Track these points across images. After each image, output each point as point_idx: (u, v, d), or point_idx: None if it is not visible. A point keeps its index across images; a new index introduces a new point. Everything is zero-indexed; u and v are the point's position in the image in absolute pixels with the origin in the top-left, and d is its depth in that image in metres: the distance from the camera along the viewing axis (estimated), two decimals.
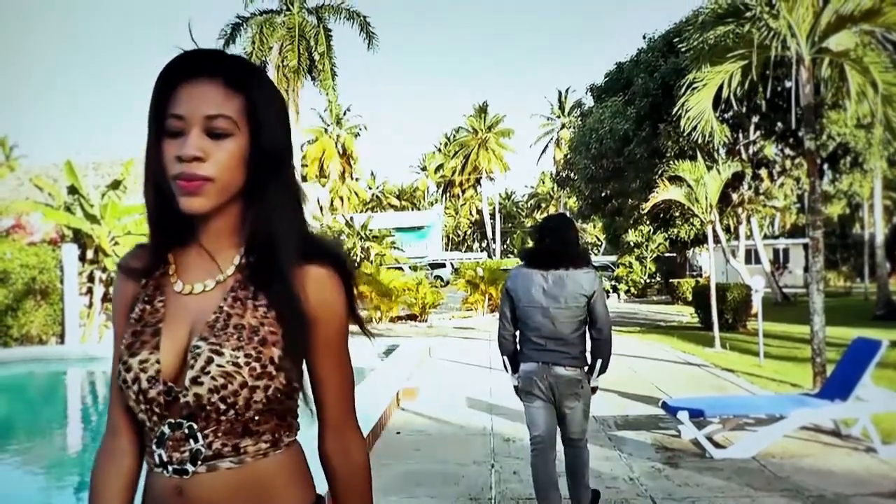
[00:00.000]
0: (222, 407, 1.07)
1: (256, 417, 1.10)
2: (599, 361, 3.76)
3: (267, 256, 1.14)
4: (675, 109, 9.61)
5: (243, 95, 1.12)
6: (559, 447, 3.92)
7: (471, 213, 70.49)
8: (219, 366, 1.06)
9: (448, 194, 68.08)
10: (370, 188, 68.47)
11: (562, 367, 3.66)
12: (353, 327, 1.27)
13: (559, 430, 3.88)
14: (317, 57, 24.72)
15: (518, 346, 3.89)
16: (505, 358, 3.95)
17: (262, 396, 1.08)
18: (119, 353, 1.15)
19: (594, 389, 3.84)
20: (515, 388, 3.96)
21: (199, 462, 1.08)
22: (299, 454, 1.20)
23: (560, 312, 3.64)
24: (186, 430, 1.09)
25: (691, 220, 20.16)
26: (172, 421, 1.09)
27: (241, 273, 1.16)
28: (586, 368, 3.76)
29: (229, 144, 1.10)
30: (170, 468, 1.09)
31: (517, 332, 3.87)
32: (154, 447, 1.11)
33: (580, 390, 3.73)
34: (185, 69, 1.11)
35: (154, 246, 1.20)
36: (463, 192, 66.29)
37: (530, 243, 4.57)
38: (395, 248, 28.98)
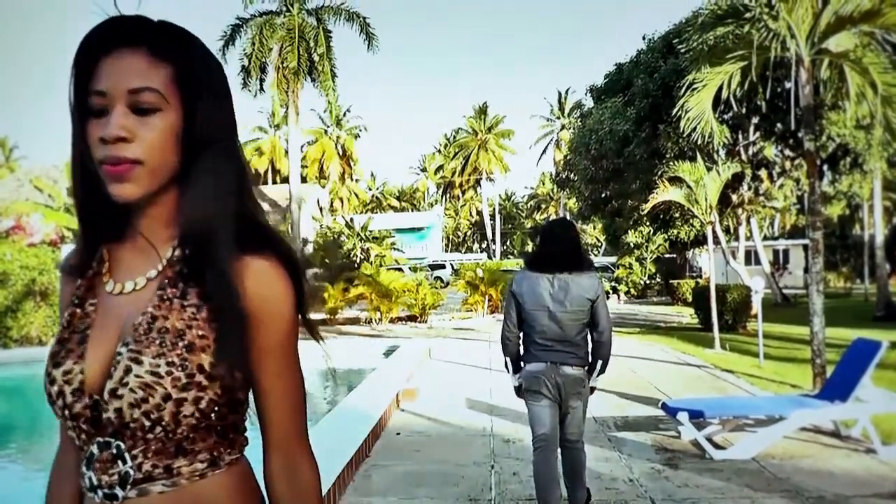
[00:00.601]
0: (146, 423, 0.94)
1: (190, 435, 0.97)
2: (600, 362, 3.84)
3: (202, 248, 1.00)
4: (675, 110, 9.62)
5: (171, 64, 0.98)
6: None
7: (471, 215, 70.53)
8: (137, 376, 0.94)
9: (448, 195, 68.12)
10: (370, 189, 68.50)
11: (569, 367, 3.76)
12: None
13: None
14: (316, 58, 24.74)
15: (522, 348, 3.96)
16: (507, 359, 4.01)
17: (193, 410, 0.95)
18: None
19: (592, 390, 3.93)
20: (516, 388, 4.03)
21: (129, 486, 0.96)
22: (245, 473, 1.06)
23: (566, 316, 3.74)
24: (114, 451, 0.97)
25: (691, 221, 20.18)
26: (101, 440, 0.97)
27: (172, 269, 1.02)
28: (587, 368, 3.85)
29: (157, 121, 0.97)
30: (100, 493, 0.97)
31: (521, 334, 3.94)
32: (84, 469, 0.99)
33: (583, 390, 3.83)
34: (105, 39, 0.98)
35: (85, 241, 1.08)
36: (463, 193, 66.32)
37: (530, 245, 4.73)
38: (395, 249, 29.01)
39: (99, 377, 0.97)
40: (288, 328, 1.04)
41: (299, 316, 1.07)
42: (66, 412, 0.98)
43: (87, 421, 0.97)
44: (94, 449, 0.98)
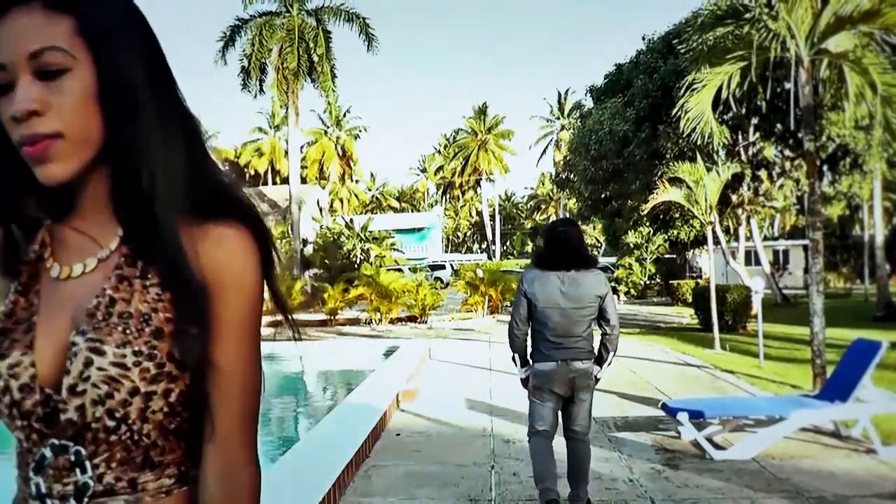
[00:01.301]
0: (110, 423, 0.83)
1: (158, 442, 0.87)
2: (611, 354, 4.06)
3: (150, 219, 0.88)
4: (675, 111, 9.63)
5: (71, 14, 0.84)
6: (559, 447, 4.05)
7: (470, 215, 70.57)
8: (100, 369, 0.82)
9: (448, 196, 68.16)
10: (370, 190, 68.57)
11: (579, 362, 3.94)
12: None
13: (563, 427, 4.12)
14: (316, 59, 24.75)
15: (530, 346, 4.12)
16: (516, 355, 4.17)
17: (162, 405, 0.85)
18: None
19: (596, 380, 4.11)
20: (522, 380, 4.20)
21: (87, 499, 0.84)
22: None
23: (576, 312, 3.91)
24: (73, 456, 0.85)
25: (691, 221, 20.18)
26: (56, 442, 0.85)
27: (127, 246, 0.90)
28: (593, 361, 4.05)
29: (69, 83, 0.84)
30: (49, 502, 0.85)
31: (528, 332, 4.11)
32: (31, 474, 0.86)
33: (591, 382, 4.02)
34: None
35: (14, 225, 0.95)
36: (463, 193, 66.37)
37: (530, 245, 5.00)
38: (394, 249, 29.00)
39: (52, 370, 0.85)
40: (251, 301, 0.91)
41: (267, 286, 0.94)
42: (14, 410, 0.86)
43: (39, 420, 0.85)
44: (47, 452, 0.86)
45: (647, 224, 22.22)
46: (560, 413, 4.12)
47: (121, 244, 0.91)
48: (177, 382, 0.87)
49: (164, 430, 0.87)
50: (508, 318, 4.31)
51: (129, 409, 0.83)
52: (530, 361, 4.10)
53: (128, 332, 0.84)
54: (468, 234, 73.60)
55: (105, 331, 0.84)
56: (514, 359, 4.17)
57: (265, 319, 0.96)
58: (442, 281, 37.49)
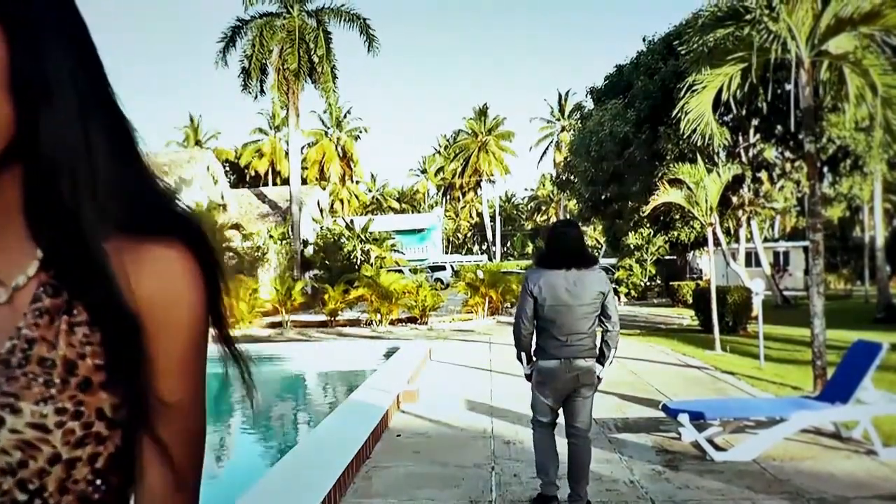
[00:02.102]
0: (21, 497, 0.65)
1: None
2: (612, 351, 4.16)
3: (72, 238, 0.70)
4: (675, 112, 9.63)
5: None
6: (560, 447, 4.15)
7: (471, 216, 70.56)
8: (14, 431, 0.65)
9: (448, 197, 68.17)
10: (370, 191, 68.59)
11: (582, 360, 4.05)
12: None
13: (565, 424, 4.23)
14: (317, 60, 24.75)
15: (535, 343, 4.23)
16: (522, 353, 4.29)
17: (86, 473, 0.68)
18: None
19: (599, 379, 4.21)
20: (527, 375, 4.33)
21: None
22: None
23: (582, 309, 4.03)
24: None
25: (691, 222, 20.18)
26: None
27: (46, 273, 0.71)
28: (596, 360, 4.16)
29: None
30: None
31: (534, 330, 4.22)
32: None
33: (594, 380, 4.13)
34: None
35: None
36: (463, 194, 66.38)
37: (531, 246, 5.20)
38: (395, 250, 28.99)
39: None
40: (194, 338, 0.75)
41: (211, 322, 0.77)
42: None
43: None
44: None
45: (648, 225, 22.23)
46: (562, 410, 4.21)
47: (40, 269, 0.71)
48: (105, 444, 0.69)
49: (85, 500, 0.69)
50: (509, 319, 4.39)
51: (46, 480, 0.66)
52: (534, 358, 4.22)
53: (50, 384, 0.67)
54: (468, 235, 73.60)
55: (22, 382, 0.66)
56: (519, 357, 4.30)
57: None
58: (442, 282, 37.50)
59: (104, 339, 0.70)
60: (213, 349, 0.79)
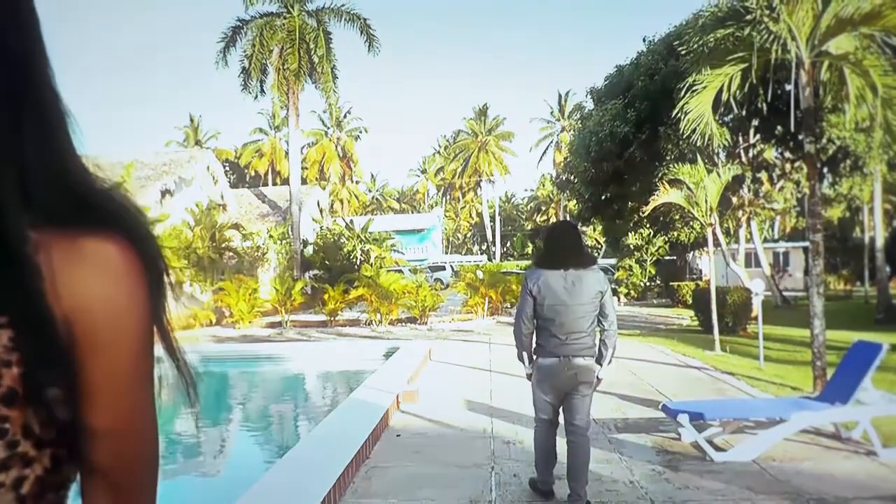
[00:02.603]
0: None
1: None
2: (610, 350, 4.21)
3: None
4: (675, 112, 9.63)
5: None
6: (559, 447, 4.20)
7: (471, 216, 70.54)
8: None
9: (448, 197, 68.19)
10: (370, 191, 68.61)
11: (581, 358, 4.11)
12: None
13: (564, 422, 4.29)
14: (317, 60, 24.75)
15: (535, 342, 4.29)
16: (523, 353, 4.34)
17: (11, 499, 0.59)
18: None
19: (598, 379, 4.27)
20: (528, 375, 4.40)
21: None
22: None
23: (581, 308, 4.09)
24: None
25: (691, 223, 20.20)
26: None
27: None
28: (595, 359, 4.21)
29: None
30: None
31: (534, 330, 4.29)
32: None
33: (593, 378, 4.19)
34: None
35: None
36: (463, 195, 66.41)
37: (530, 247, 5.32)
38: (395, 250, 28.99)
39: None
40: (137, 348, 0.65)
41: (155, 326, 0.67)
42: None
43: None
44: None
45: (648, 226, 22.24)
46: (561, 408, 4.26)
47: None
48: (33, 466, 0.60)
49: None
50: (509, 319, 4.42)
51: None
52: (535, 357, 4.27)
53: None
54: (468, 235, 73.57)
55: None
56: (520, 356, 4.36)
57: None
58: (442, 282, 37.50)
59: (24, 347, 0.60)
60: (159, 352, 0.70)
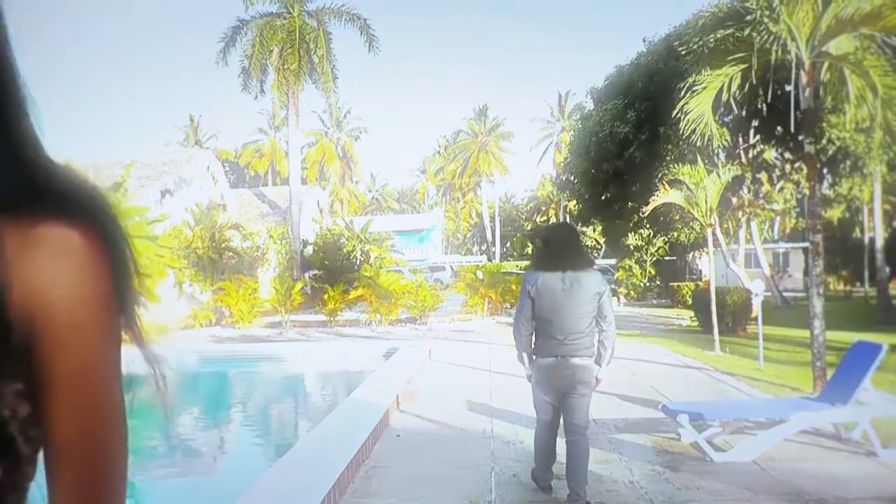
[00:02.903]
0: None
1: None
2: (608, 351, 4.25)
3: None
4: (675, 112, 9.63)
5: None
6: (560, 447, 4.22)
7: (471, 217, 70.51)
8: None
9: (448, 197, 68.16)
10: (370, 191, 68.60)
11: (578, 358, 4.15)
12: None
13: (563, 422, 4.32)
14: (317, 60, 24.75)
15: (534, 342, 4.33)
16: (523, 353, 4.38)
17: None
18: None
19: (598, 380, 4.31)
20: (529, 377, 4.44)
21: None
22: None
23: (580, 309, 4.12)
24: None
25: (691, 223, 20.18)
26: None
27: None
28: (594, 359, 4.24)
29: None
30: None
31: (533, 331, 4.32)
32: None
33: (591, 378, 4.22)
34: None
35: None
36: (463, 195, 66.37)
37: (530, 247, 5.42)
38: (394, 251, 28.97)
39: None
40: (101, 337, 0.60)
41: (121, 314, 0.63)
42: None
43: None
44: None
45: (648, 226, 22.22)
46: (560, 407, 4.28)
47: None
48: None
49: None
50: (508, 319, 4.44)
51: None
52: (534, 357, 4.30)
53: None
54: (468, 235, 73.52)
55: None
56: (520, 357, 4.40)
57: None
58: (442, 282, 37.49)
59: None
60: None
